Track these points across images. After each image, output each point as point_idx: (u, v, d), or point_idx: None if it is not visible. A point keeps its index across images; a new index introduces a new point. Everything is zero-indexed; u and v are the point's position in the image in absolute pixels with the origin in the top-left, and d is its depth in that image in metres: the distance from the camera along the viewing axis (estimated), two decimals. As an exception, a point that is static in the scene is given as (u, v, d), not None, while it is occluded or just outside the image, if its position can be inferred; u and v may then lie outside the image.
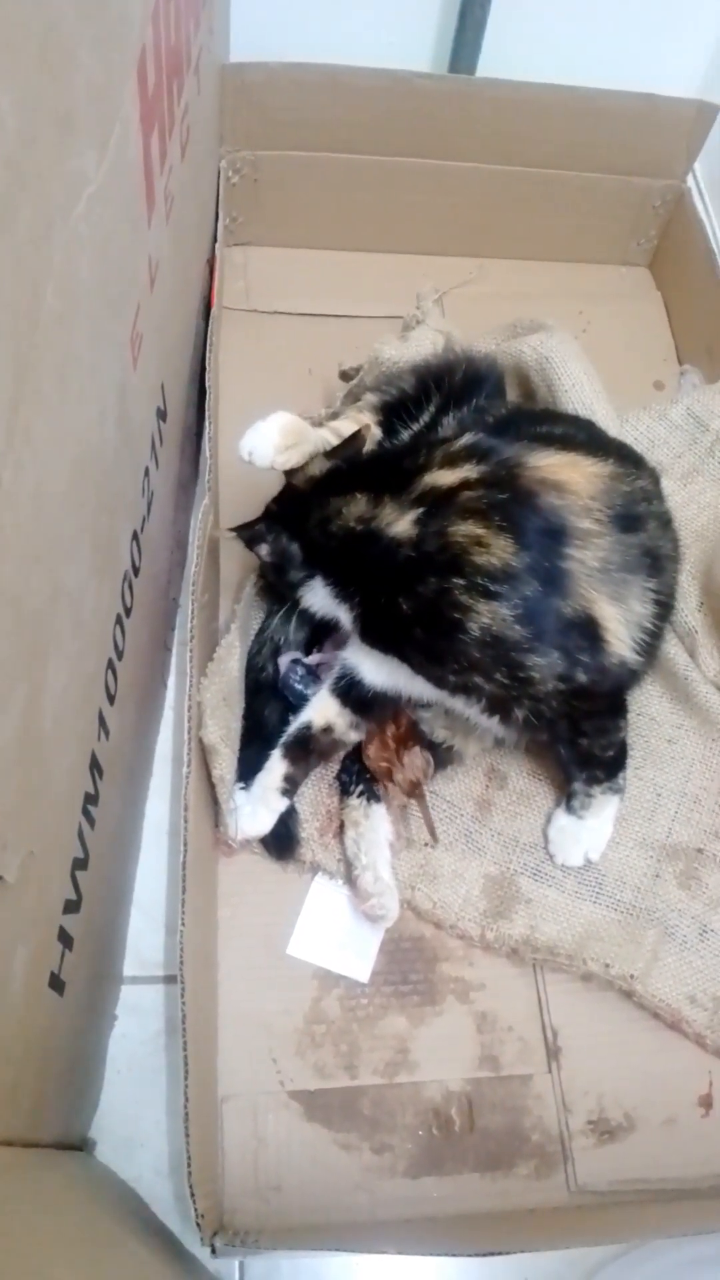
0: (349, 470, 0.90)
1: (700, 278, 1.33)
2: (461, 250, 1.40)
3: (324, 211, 1.35)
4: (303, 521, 0.89)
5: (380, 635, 0.86)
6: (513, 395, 1.14)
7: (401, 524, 0.81)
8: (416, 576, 0.79)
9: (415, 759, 0.97)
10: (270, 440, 0.90)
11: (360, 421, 0.95)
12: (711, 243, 1.34)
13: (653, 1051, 0.92)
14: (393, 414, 0.99)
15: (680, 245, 1.39)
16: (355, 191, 1.33)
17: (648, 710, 1.04)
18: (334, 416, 1.07)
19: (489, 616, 0.77)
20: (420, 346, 1.11)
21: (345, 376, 1.16)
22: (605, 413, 1.09)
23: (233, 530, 0.94)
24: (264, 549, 0.94)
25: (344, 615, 0.89)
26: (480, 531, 0.77)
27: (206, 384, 1.03)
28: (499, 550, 0.77)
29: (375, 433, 0.98)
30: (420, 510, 0.80)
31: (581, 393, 1.09)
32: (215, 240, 1.19)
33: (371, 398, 1.02)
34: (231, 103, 1.20)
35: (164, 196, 0.85)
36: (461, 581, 0.77)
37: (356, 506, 0.84)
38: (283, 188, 1.31)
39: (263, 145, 1.26)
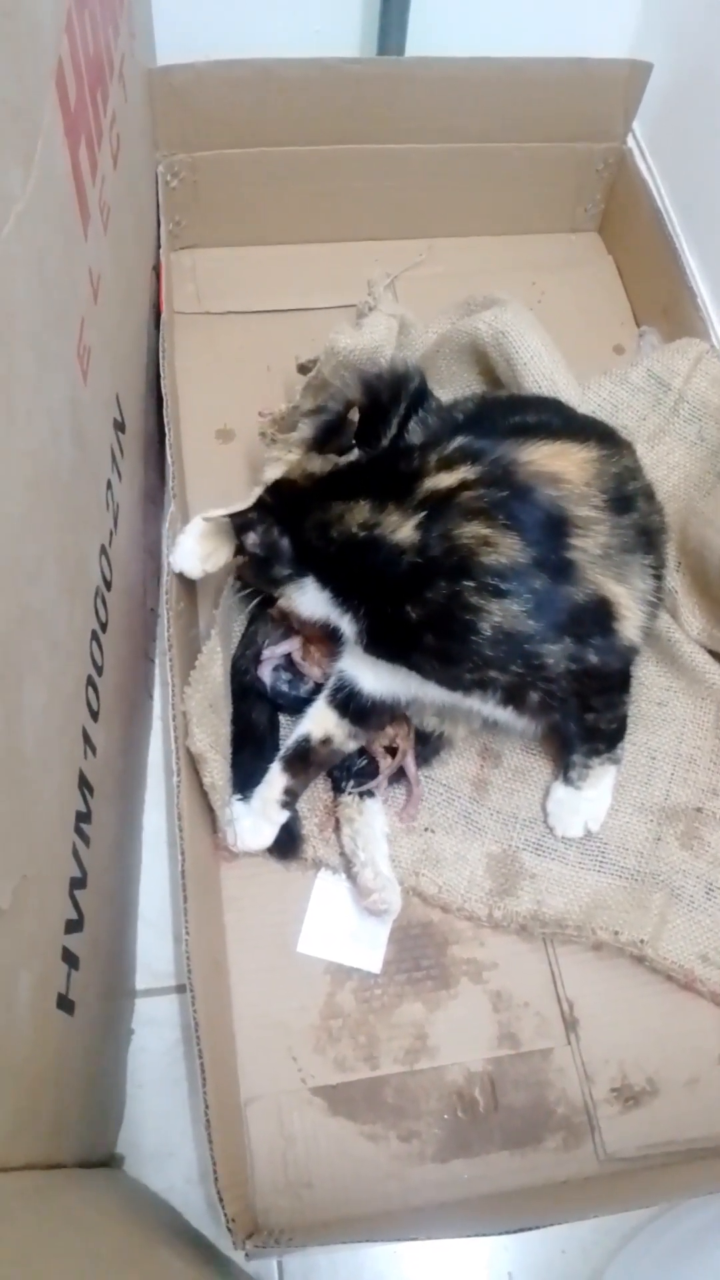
0: (350, 473, 0.88)
1: (650, 238, 1.32)
2: (409, 233, 1.40)
3: (268, 207, 1.34)
4: (299, 518, 0.87)
5: (388, 646, 0.85)
6: (470, 374, 1.14)
7: (404, 530, 0.79)
8: (425, 582, 0.78)
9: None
10: (193, 554, 0.92)
11: (290, 462, 0.92)
12: (657, 201, 1.33)
13: (669, 1014, 0.92)
14: (333, 433, 0.93)
15: (627, 207, 1.39)
16: (297, 184, 1.32)
17: (635, 675, 1.03)
18: (294, 409, 1.06)
19: (501, 614, 0.77)
20: (375, 333, 1.10)
21: (303, 369, 1.15)
22: (566, 382, 1.09)
23: (226, 515, 0.91)
24: (251, 538, 0.90)
25: (346, 626, 0.86)
26: (486, 531, 0.77)
27: (163, 391, 1.03)
28: (506, 548, 0.77)
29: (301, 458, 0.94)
30: (422, 515, 0.79)
31: (541, 364, 1.08)
32: (160, 246, 1.18)
33: (304, 429, 0.97)
34: (163, 107, 1.19)
35: (99, 207, 0.84)
36: (472, 583, 0.77)
37: (360, 513, 0.82)
38: (224, 187, 1.30)
39: (199, 146, 1.25)
